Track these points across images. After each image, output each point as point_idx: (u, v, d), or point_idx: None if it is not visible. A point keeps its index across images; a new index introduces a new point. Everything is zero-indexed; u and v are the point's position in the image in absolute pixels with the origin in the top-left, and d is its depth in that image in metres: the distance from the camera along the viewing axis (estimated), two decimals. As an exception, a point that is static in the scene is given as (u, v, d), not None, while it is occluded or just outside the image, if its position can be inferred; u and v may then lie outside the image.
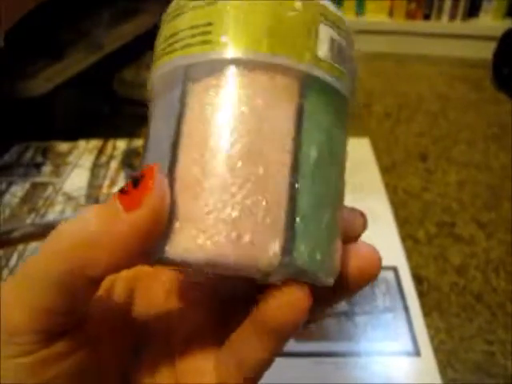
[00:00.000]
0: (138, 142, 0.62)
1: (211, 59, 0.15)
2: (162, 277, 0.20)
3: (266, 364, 0.16)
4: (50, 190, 0.54)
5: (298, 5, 0.16)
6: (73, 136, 0.64)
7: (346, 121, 0.17)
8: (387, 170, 0.64)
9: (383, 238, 0.46)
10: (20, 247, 0.47)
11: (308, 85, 0.16)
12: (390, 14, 1.11)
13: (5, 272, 0.44)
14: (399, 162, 0.69)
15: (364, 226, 0.18)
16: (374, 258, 0.16)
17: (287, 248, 0.14)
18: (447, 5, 1.06)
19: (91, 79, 0.78)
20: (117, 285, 0.19)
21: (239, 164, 0.14)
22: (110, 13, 0.88)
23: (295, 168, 0.15)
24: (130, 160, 0.58)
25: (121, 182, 0.55)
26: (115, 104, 0.80)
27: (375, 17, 1.12)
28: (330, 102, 0.16)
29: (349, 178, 0.17)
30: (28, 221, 0.50)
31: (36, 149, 0.62)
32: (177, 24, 0.16)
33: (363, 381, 0.32)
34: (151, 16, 0.96)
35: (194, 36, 0.15)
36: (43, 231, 0.49)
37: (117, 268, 0.14)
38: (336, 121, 0.16)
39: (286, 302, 0.14)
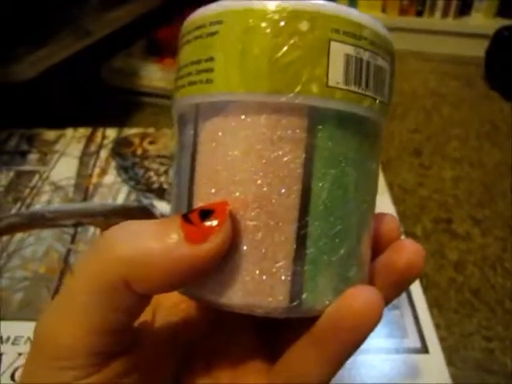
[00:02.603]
0: (128, 131, 0.60)
1: (215, 101, 0.15)
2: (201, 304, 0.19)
3: (326, 381, 0.15)
4: (36, 178, 0.52)
5: (304, 26, 0.14)
6: (59, 124, 0.61)
7: (372, 140, 0.16)
8: (382, 165, 0.64)
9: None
10: (4, 238, 0.44)
11: (318, 119, 0.14)
12: (383, 9, 1.11)
13: (-12, 264, 0.42)
14: (394, 158, 0.68)
15: (398, 229, 0.18)
16: (418, 250, 0.16)
17: (294, 295, 0.14)
18: (440, 2, 1.07)
19: (79, 66, 0.75)
20: (159, 311, 0.19)
21: (244, 210, 0.14)
22: (98, -1, 0.85)
23: (304, 211, 0.14)
24: (120, 149, 0.56)
25: (111, 172, 0.53)
26: (103, 92, 0.78)
27: (368, 12, 1.11)
28: (347, 130, 0.15)
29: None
30: (13, 211, 0.48)
31: (20, 136, 0.59)
32: (184, 55, 0.16)
33: (370, 379, 0.31)
34: (141, 4, 0.94)
35: (198, 73, 0.15)
36: (29, 222, 0.46)
37: (164, 290, 0.14)
38: (357, 146, 0.15)
39: (362, 304, 0.14)
